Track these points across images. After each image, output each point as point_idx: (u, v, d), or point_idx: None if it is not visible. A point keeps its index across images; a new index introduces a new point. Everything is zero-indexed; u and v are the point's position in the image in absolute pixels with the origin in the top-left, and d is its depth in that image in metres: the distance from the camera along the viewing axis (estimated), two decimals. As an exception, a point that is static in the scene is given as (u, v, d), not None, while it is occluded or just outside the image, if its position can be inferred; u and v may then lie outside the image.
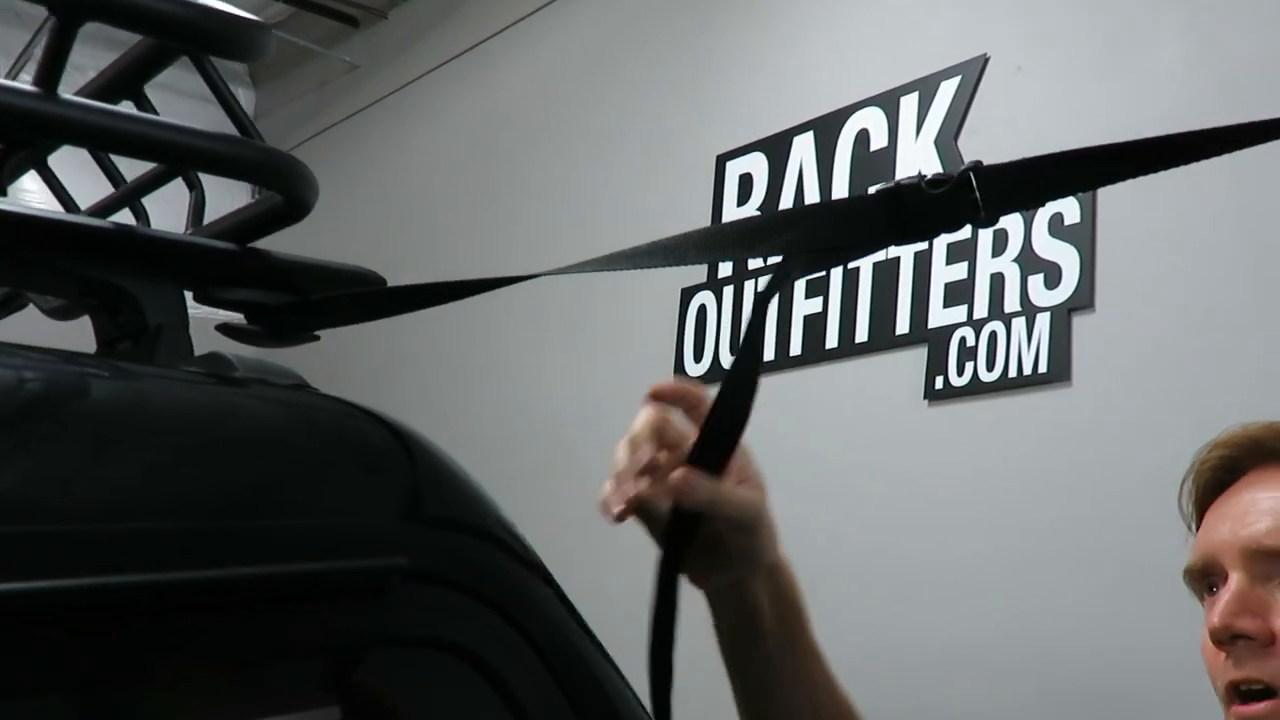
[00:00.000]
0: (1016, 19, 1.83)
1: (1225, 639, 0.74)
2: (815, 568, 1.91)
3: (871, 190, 0.52)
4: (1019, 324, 1.72)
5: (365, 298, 0.60)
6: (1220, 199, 1.54)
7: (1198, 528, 0.81)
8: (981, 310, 1.77)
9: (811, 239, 0.53)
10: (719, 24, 2.33)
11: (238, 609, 0.42)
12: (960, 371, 1.77)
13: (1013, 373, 1.71)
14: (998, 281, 1.76)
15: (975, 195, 0.50)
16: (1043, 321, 1.69)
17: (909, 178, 0.51)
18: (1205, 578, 0.79)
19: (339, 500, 0.48)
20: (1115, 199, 1.65)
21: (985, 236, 1.79)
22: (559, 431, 2.28)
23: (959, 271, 1.82)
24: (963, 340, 1.78)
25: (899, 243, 0.53)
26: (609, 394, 2.30)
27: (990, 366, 1.74)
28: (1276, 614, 0.73)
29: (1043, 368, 1.68)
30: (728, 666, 0.69)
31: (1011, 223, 1.76)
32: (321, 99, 3.35)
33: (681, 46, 2.39)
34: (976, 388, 1.74)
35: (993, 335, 1.75)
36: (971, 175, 0.50)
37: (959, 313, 1.80)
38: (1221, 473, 0.81)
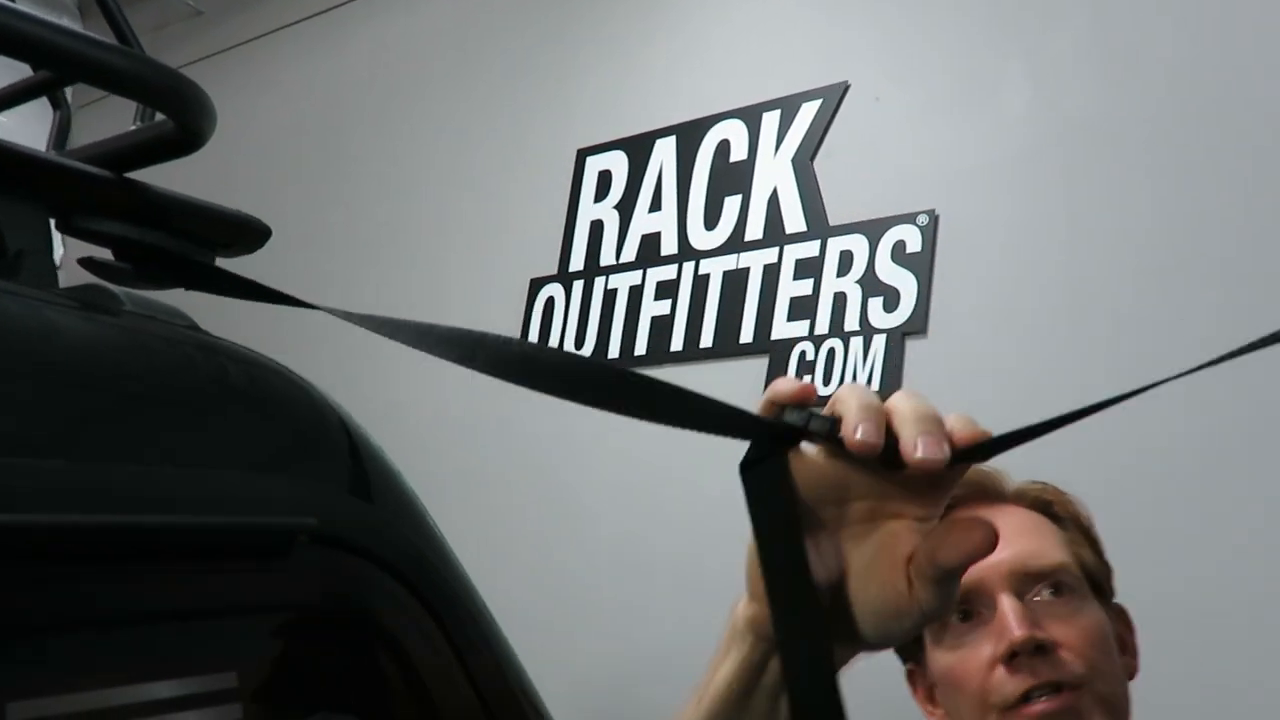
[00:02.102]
0: (878, 52, 1.90)
1: (1028, 650, 0.79)
2: (642, 564, 1.93)
3: (758, 412, 0.47)
4: (857, 343, 1.79)
5: (197, 268, 0.54)
6: (1053, 244, 1.65)
7: None
8: (823, 327, 1.83)
9: (654, 413, 0.47)
10: (591, 20, 2.32)
11: (113, 562, 0.37)
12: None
13: (847, 389, 1.77)
14: (840, 301, 1.83)
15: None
16: (879, 342, 1.76)
17: (799, 416, 0.46)
18: (962, 605, 0.84)
19: (239, 453, 0.44)
20: (956, 234, 1.73)
21: (832, 256, 1.85)
22: (403, 418, 2.22)
23: (805, 288, 1.87)
24: (803, 354, 1.84)
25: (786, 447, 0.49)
26: (452, 380, 2.25)
27: (827, 381, 1.80)
28: (1047, 625, 0.81)
29: (875, 386, 1.74)
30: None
31: (856, 245, 1.82)
32: (159, 42, 3.15)
33: (552, 38, 2.38)
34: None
35: (831, 351, 1.81)
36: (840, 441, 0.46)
37: (801, 327, 1.85)
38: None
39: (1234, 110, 1.53)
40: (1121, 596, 0.93)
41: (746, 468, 0.46)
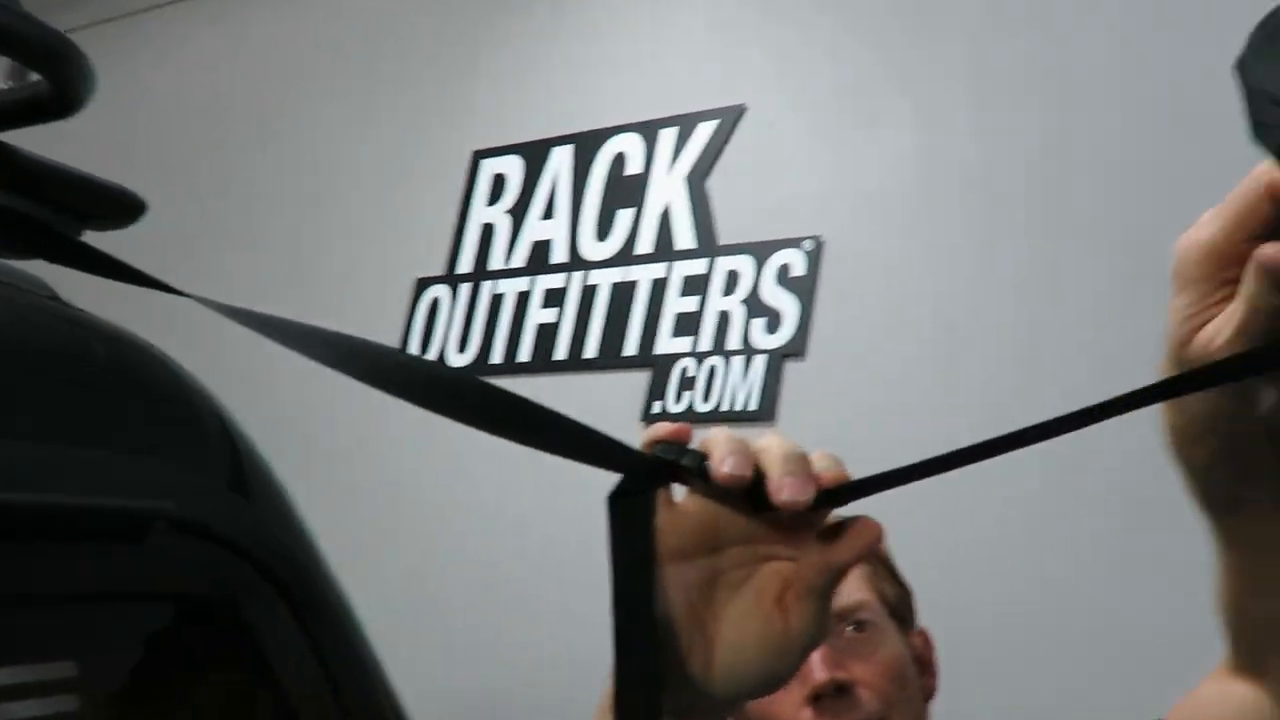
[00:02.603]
0: (776, 79, 1.94)
1: (830, 691, 0.83)
2: (509, 596, 1.91)
3: (645, 446, 0.47)
4: (738, 362, 1.82)
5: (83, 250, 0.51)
6: (929, 277, 1.71)
7: None
8: (706, 344, 1.86)
9: (529, 436, 0.47)
10: (497, 24, 2.31)
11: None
12: (678, 399, 1.85)
13: (725, 406, 1.80)
14: (724, 319, 1.86)
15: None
16: (759, 362, 1.80)
17: (671, 450, 0.47)
18: None
19: (97, 431, 0.42)
20: (840, 261, 1.78)
21: (720, 275, 1.88)
22: (277, 424, 2.15)
23: (691, 304, 1.90)
24: (684, 370, 1.86)
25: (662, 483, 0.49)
26: (333, 389, 2.20)
27: (706, 398, 1.82)
28: (848, 664, 0.85)
29: (753, 405, 1.78)
30: None
31: (743, 266, 1.86)
32: (38, 6, 2.99)
33: (456, 37, 2.35)
34: (691, 416, 1.82)
35: (713, 369, 1.84)
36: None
37: (685, 343, 1.88)
38: None
39: (1101, 162, 1.62)
40: (926, 610, 0.97)
41: (615, 499, 0.46)
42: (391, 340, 2.18)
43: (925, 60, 1.81)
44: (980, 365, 1.63)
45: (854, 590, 0.89)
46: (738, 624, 0.47)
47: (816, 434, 1.78)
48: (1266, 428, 0.45)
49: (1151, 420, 0.46)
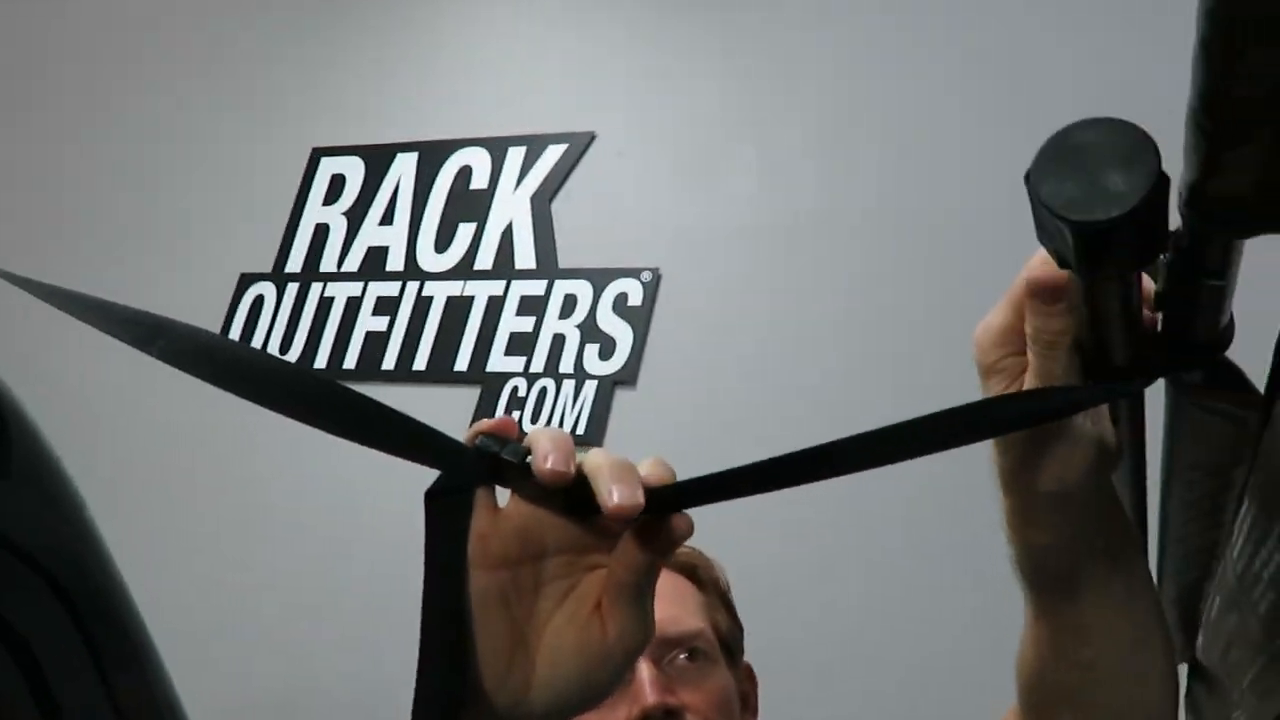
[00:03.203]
0: (627, 110, 1.97)
1: (659, 714, 0.84)
2: (321, 600, 1.84)
3: (468, 440, 0.45)
4: (569, 385, 1.82)
5: None
6: (760, 319, 1.76)
7: None
8: (538, 365, 1.85)
9: (337, 422, 0.44)
10: (352, 22, 2.25)
11: None
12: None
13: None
14: (559, 342, 1.86)
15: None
16: (590, 387, 1.81)
17: (493, 443, 0.45)
18: None
19: None
20: (675, 295, 1.81)
21: (557, 298, 1.88)
22: (78, 416, 2.00)
23: (527, 325, 1.89)
24: (515, 390, 1.85)
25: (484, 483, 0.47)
26: (133, 374, 2.07)
27: (535, 419, 1.81)
28: (678, 690, 0.86)
29: (580, 430, 1.78)
30: None
31: (581, 290, 1.87)
32: None
33: (308, 30, 2.28)
34: (519, 438, 1.81)
35: (543, 390, 1.83)
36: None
37: (518, 363, 1.86)
38: None
39: (931, 221, 1.71)
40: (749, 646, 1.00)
41: (432, 497, 0.44)
42: (208, 336, 2.07)
43: (773, 108, 1.87)
44: (804, 407, 1.69)
45: (690, 619, 0.90)
46: (558, 634, 0.46)
47: (643, 458, 1.80)
48: (1107, 513, 0.50)
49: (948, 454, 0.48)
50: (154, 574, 1.86)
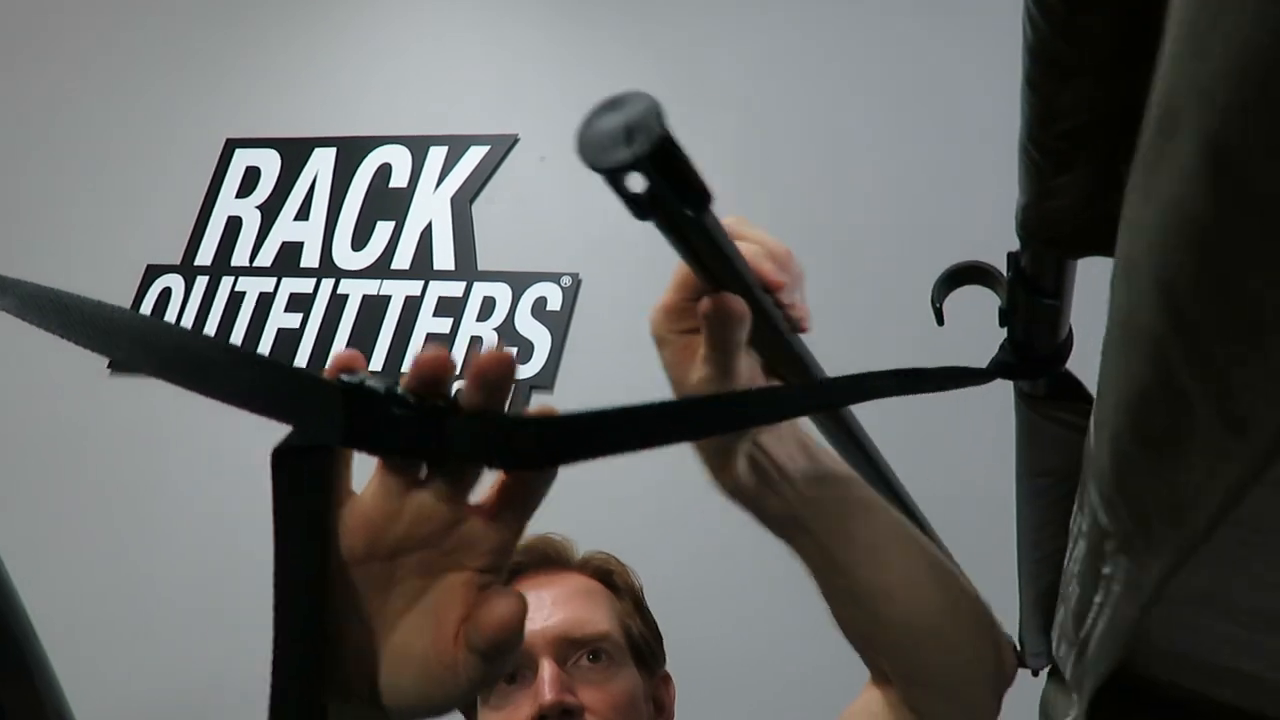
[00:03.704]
0: (550, 114, 1.97)
1: (556, 713, 0.85)
2: (223, 592, 1.80)
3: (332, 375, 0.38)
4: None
5: None
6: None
7: None
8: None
9: (240, 392, 0.37)
10: (273, 13, 2.21)
11: None
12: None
13: (468, 432, 1.79)
14: (476, 345, 1.84)
15: (449, 435, 0.38)
16: (506, 391, 1.80)
17: (377, 382, 0.38)
18: (510, 667, 0.89)
19: None
20: (594, 301, 1.82)
21: (475, 300, 1.87)
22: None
23: (444, 326, 1.87)
24: (430, 391, 1.83)
25: (343, 444, 0.38)
26: (27, 375, 2.00)
27: (450, 422, 1.80)
28: (579, 689, 0.88)
29: (496, 434, 1.77)
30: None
31: (500, 294, 1.86)
32: None
33: (225, 18, 2.22)
34: (432, 439, 1.79)
35: (457, 393, 1.82)
36: (447, 416, 0.38)
37: (433, 364, 1.85)
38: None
39: (849, 225, 1.75)
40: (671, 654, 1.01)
41: (282, 456, 0.37)
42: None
43: (692, 116, 1.89)
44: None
45: (596, 620, 0.91)
46: (405, 641, 0.41)
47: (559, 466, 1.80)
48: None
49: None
50: (47, 579, 1.79)
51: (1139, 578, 0.30)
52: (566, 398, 1.78)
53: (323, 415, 0.36)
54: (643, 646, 0.95)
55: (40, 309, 0.42)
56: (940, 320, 0.48)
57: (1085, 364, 0.50)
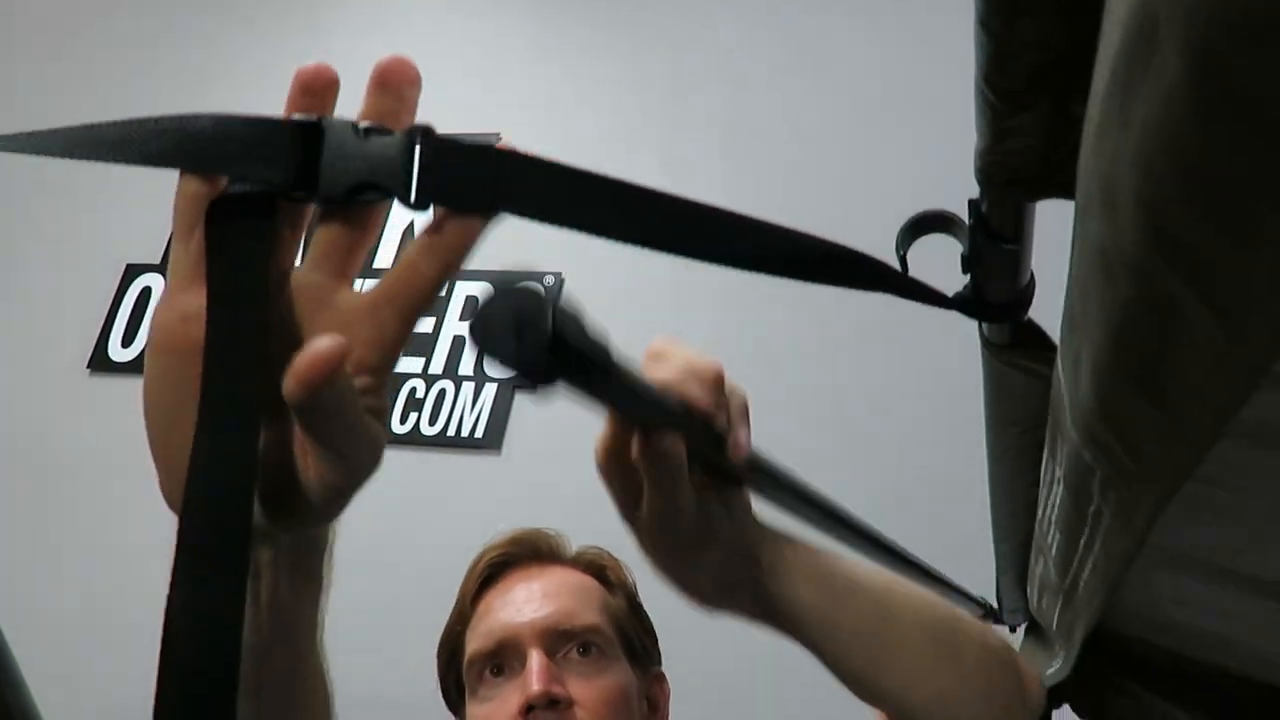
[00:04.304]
0: (533, 113, 1.97)
1: (543, 704, 0.84)
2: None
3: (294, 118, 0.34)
4: (468, 388, 1.81)
5: None
6: (660, 325, 1.78)
7: (468, 618, 0.93)
8: (438, 367, 1.83)
9: (159, 151, 0.34)
10: (247, 13, 2.20)
11: None
12: (404, 419, 1.80)
13: (451, 431, 1.78)
14: (459, 344, 1.84)
15: (413, 166, 0.34)
16: (489, 391, 1.80)
17: (336, 119, 0.34)
18: (495, 659, 0.89)
19: None
20: (580, 299, 1.81)
21: (458, 300, 1.86)
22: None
23: (426, 325, 1.86)
24: (413, 390, 1.82)
25: (288, 187, 0.33)
26: (11, 371, 1.98)
27: (434, 421, 1.79)
28: (567, 682, 0.87)
29: (479, 433, 1.77)
30: None
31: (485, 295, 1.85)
32: None
33: (202, 22, 2.21)
34: (415, 439, 1.78)
35: (442, 392, 1.81)
36: (418, 138, 0.34)
37: (416, 364, 1.84)
38: (494, 568, 0.94)
39: (832, 228, 1.75)
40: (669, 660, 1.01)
41: (216, 208, 0.33)
42: (93, 329, 1.99)
43: (676, 114, 1.89)
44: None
45: (586, 613, 0.90)
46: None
47: (540, 466, 1.80)
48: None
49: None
50: (23, 583, 1.78)
51: (1132, 509, 0.30)
52: (549, 399, 1.77)
53: (265, 159, 0.32)
54: (636, 643, 0.94)
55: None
56: (904, 268, 0.49)
57: (1045, 312, 0.51)
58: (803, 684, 1.51)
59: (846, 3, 1.90)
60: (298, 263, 0.36)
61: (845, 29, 1.87)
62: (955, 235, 0.49)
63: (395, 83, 0.36)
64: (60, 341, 1.99)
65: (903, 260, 0.49)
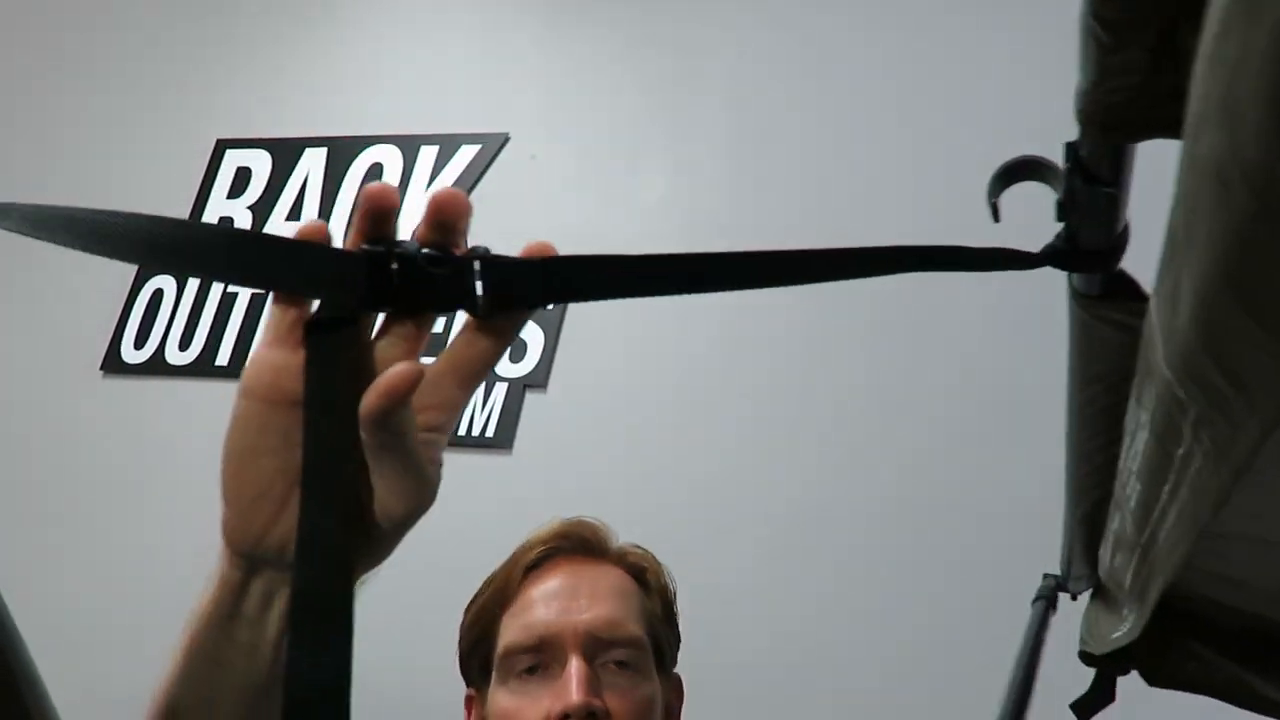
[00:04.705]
0: (543, 112, 1.97)
1: (582, 715, 0.83)
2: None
3: (348, 246, 0.41)
4: (479, 388, 1.81)
5: None
6: (671, 322, 1.78)
7: (505, 604, 0.92)
8: (448, 366, 1.84)
9: (246, 271, 0.42)
10: (261, 13, 2.20)
11: None
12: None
13: (463, 431, 1.79)
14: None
15: (476, 283, 0.41)
16: (500, 390, 1.80)
17: (405, 244, 0.41)
18: (536, 654, 0.88)
19: None
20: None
21: (468, 299, 1.87)
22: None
23: (435, 326, 1.86)
24: (424, 391, 1.83)
25: (370, 309, 0.42)
26: (18, 376, 1.99)
27: (444, 421, 1.80)
28: (606, 693, 0.86)
29: (490, 432, 1.77)
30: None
31: (494, 293, 1.86)
32: None
33: (215, 20, 2.22)
34: (426, 438, 1.79)
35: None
36: (477, 262, 0.41)
37: (427, 362, 1.85)
38: (538, 559, 0.93)
39: (838, 224, 1.75)
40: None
41: (314, 329, 0.41)
42: (105, 331, 2.00)
43: (683, 113, 1.89)
44: (715, 409, 1.71)
45: (629, 623, 0.90)
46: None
47: (551, 465, 1.80)
48: None
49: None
50: (39, 583, 1.78)
51: (1228, 447, 0.29)
52: (560, 396, 1.78)
53: (346, 284, 0.40)
54: (665, 650, 0.94)
55: (48, 226, 0.45)
56: (996, 217, 0.47)
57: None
58: (804, 685, 1.51)
59: (853, 1, 1.89)
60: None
61: (852, 27, 1.87)
62: (1048, 181, 0.48)
63: (450, 214, 0.42)
64: (74, 343, 2.01)
65: (994, 209, 0.48)
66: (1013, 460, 1.50)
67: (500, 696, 0.88)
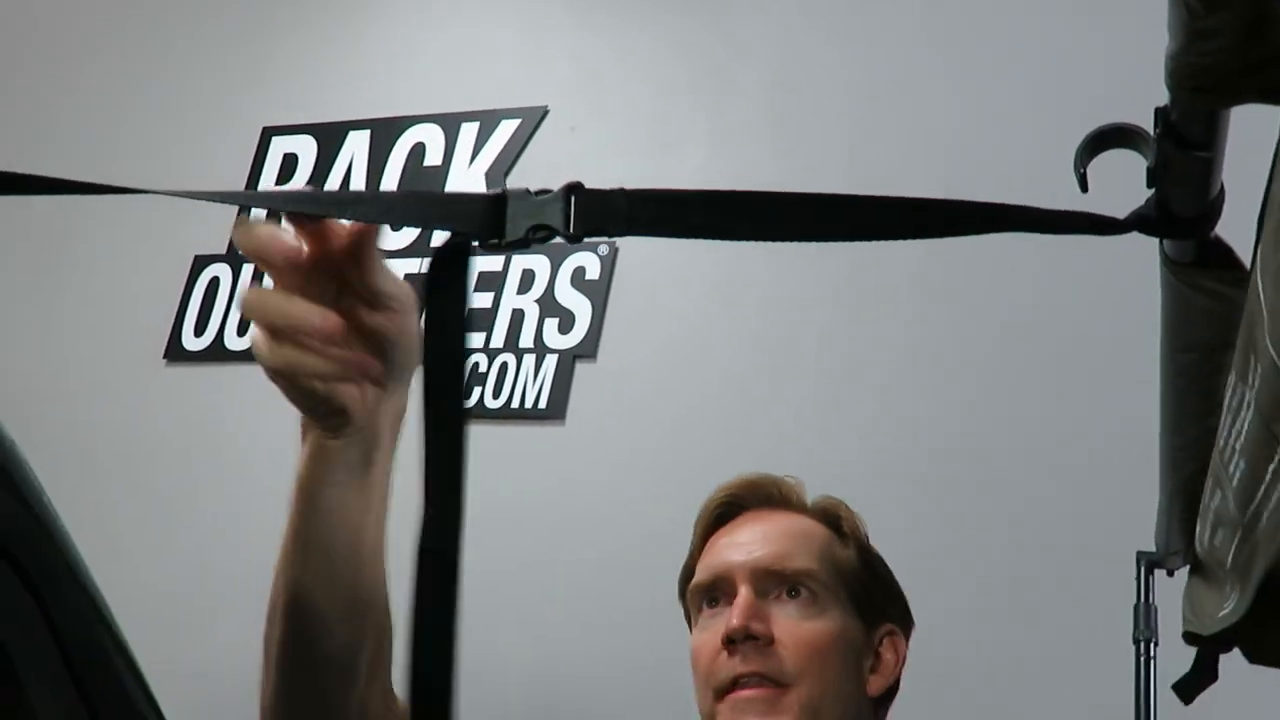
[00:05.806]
0: (579, 84, 1.97)
1: (740, 638, 0.89)
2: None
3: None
4: (529, 360, 1.83)
5: None
6: (716, 289, 1.78)
7: (699, 553, 0.99)
8: (498, 341, 1.86)
9: (405, 216, 0.59)
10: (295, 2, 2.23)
11: None
12: (468, 395, 1.84)
13: (515, 404, 1.81)
14: (518, 317, 1.87)
15: (570, 209, 0.52)
16: (550, 361, 1.82)
17: (512, 189, 0.53)
18: (710, 592, 0.95)
19: None
20: (633, 268, 1.83)
21: (515, 273, 1.89)
22: (18, 410, 1.97)
23: (485, 300, 1.89)
24: (476, 365, 1.85)
25: (488, 239, 0.53)
26: (84, 367, 2.06)
27: (497, 395, 1.83)
28: (773, 621, 0.90)
29: (543, 404, 1.80)
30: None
31: (539, 265, 1.87)
32: None
33: (255, 7, 2.25)
34: (480, 412, 1.82)
35: (504, 366, 1.84)
36: (572, 194, 0.53)
37: (477, 339, 1.87)
38: (725, 508, 1.00)
39: (883, 189, 1.74)
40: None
41: (438, 261, 0.52)
42: (160, 326, 2.05)
43: (724, 79, 1.88)
44: (762, 374, 1.71)
45: (801, 558, 0.93)
46: None
47: (604, 434, 1.82)
48: None
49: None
50: (108, 572, 1.85)
51: None
52: (609, 366, 1.79)
53: (469, 218, 0.52)
54: (861, 594, 0.95)
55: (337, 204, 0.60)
56: (1084, 187, 0.47)
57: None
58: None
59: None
60: None
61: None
62: (1138, 148, 0.47)
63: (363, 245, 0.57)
64: (137, 334, 2.06)
65: (1082, 178, 0.48)
66: (1066, 439, 1.49)
67: (694, 635, 0.96)
